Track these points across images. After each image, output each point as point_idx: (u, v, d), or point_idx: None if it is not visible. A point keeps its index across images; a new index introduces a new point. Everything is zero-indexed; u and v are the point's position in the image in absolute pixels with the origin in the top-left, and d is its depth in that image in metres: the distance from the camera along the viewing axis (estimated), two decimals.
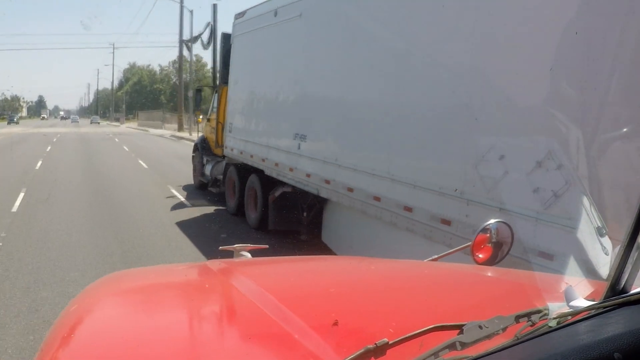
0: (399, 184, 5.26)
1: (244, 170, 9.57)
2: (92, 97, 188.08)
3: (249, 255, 2.19)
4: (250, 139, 9.10)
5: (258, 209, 8.87)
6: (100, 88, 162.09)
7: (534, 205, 3.66)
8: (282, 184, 8.01)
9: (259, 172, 8.74)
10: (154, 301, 1.59)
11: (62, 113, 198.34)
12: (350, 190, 6.01)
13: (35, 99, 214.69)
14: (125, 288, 1.72)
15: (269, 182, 8.49)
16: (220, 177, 11.26)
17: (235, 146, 9.85)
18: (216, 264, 1.89)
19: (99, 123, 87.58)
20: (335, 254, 6.74)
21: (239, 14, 10.13)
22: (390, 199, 5.35)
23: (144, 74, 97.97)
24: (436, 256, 2.16)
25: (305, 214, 7.65)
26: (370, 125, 5.76)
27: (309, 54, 7.17)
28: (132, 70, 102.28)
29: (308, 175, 6.97)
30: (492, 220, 2.06)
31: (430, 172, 4.86)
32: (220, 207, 10.82)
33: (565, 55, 3.53)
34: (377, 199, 5.55)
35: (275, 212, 8.29)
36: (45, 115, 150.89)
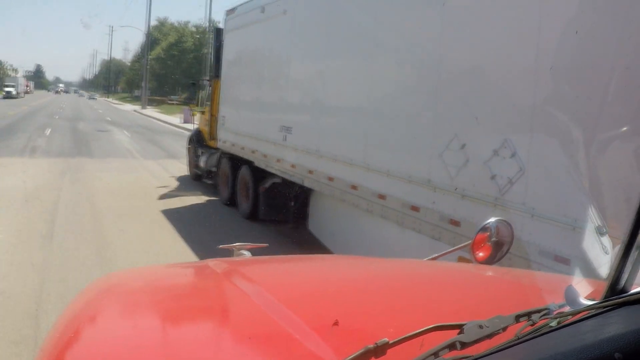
0: (374, 172, 5.57)
1: (236, 162, 9.88)
2: (97, 69, 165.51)
3: (248, 253, 2.18)
4: (241, 132, 9.41)
5: (249, 200, 9.18)
6: (108, 57, 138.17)
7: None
8: (272, 175, 8.33)
9: (250, 164, 9.05)
10: (153, 301, 1.57)
11: (61, 86, 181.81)
12: (331, 179, 6.32)
13: (32, 68, 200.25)
14: (124, 288, 1.70)
15: (259, 173, 8.80)
16: (214, 168, 11.58)
17: (228, 138, 10.16)
18: (216, 263, 1.88)
19: (96, 99, 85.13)
20: (320, 243, 7.08)
21: (230, 10, 10.41)
22: (366, 188, 5.66)
23: (187, 32, 67.27)
24: (436, 255, 2.15)
25: (292, 203, 7.97)
26: (348, 118, 6.07)
27: (292, 51, 7.48)
28: (162, 29, 72.99)
29: (293, 166, 7.29)
30: (492, 219, 2.04)
31: (401, 161, 5.17)
32: (213, 198, 11.15)
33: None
34: (355, 187, 5.86)
35: (265, 202, 8.62)
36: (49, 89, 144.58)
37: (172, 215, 9.27)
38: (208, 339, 1.27)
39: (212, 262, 1.90)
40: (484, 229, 2.00)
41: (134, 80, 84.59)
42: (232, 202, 10.13)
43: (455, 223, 4.49)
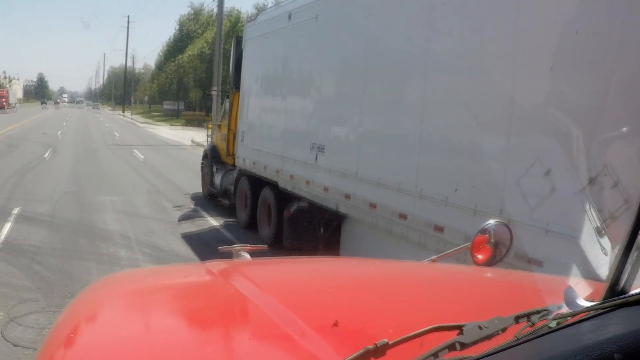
0: (428, 201, 4.75)
1: (257, 182, 9.08)
2: (105, 76, 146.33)
3: (248, 256, 2.16)
4: (263, 149, 8.60)
5: (272, 225, 8.36)
6: (117, 65, 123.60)
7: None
8: (298, 198, 7.51)
9: (273, 185, 8.24)
10: (153, 303, 1.56)
11: (64, 96, 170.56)
12: (373, 206, 5.50)
13: (34, 78, 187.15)
14: (124, 290, 1.69)
15: (283, 196, 7.99)
16: (231, 187, 10.77)
17: (248, 156, 9.36)
18: (216, 264, 1.87)
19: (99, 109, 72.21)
20: None
21: (251, 17, 9.70)
22: (419, 217, 4.83)
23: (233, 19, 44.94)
24: (435, 257, 2.12)
25: (322, 230, 7.12)
26: (396, 138, 5.25)
27: (326, 59, 6.67)
28: (198, 19, 55.53)
29: (326, 189, 6.46)
30: (491, 221, 2.04)
31: (466, 189, 4.34)
32: (230, 219, 10.33)
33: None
34: (403, 216, 5.03)
35: (290, 228, 7.78)
36: (45, 101, 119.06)
37: (191, 241, 8.45)
38: (207, 340, 1.26)
39: (211, 264, 1.92)
40: (483, 231, 2.01)
41: (163, 88, 60.23)
42: (251, 225, 9.30)
43: (537, 263, 3.70)
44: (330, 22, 6.66)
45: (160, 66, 63.89)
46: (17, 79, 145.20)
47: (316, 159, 6.68)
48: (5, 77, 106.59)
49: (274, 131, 8.28)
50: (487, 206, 4.07)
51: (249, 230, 9.37)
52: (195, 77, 50.44)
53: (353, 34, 6.15)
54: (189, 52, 50.81)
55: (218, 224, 10.04)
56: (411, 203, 4.92)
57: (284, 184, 7.77)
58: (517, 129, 3.91)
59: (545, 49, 3.68)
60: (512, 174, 3.89)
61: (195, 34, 54.79)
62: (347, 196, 5.95)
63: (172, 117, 55.27)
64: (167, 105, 59.39)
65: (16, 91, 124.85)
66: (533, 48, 3.81)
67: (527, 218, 3.69)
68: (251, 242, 8.39)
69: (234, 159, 10.61)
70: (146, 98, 64.73)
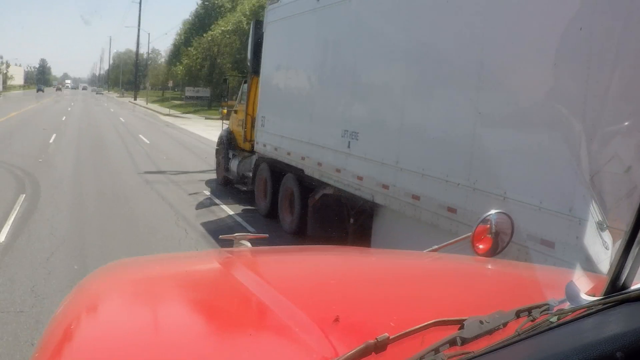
0: (483, 193, 4.44)
1: (278, 169, 8.78)
2: (106, 64, 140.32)
3: (248, 244, 2.15)
4: (287, 135, 8.27)
5: (295, 213, 8.07)
6: (123, 50, 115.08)
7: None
8: (324, 185, 7.21)
9: (297, 172, 7.93)
10: (153, 292, 1.54)
11: (68, 82, 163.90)
12: (416, 198, 5.20)
13: (36, 63, 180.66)
14: (125, 279, 1.68)
15: (308, 183, 7.70)
16: (249, 174, 10.48)
17: (269, 142, 9.04)
18: (217, 253, 1.84)
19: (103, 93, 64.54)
20: None
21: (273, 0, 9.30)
22: (471, 212, 4.53)
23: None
24: (436, 247, 2.11)
25: (352, 220, 6.83)
26: (445, 124, 4.93)
27: (361, 43, 6.31)
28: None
29: (360, 178, 6.15)
30: (492, 211, 2.03)
31: (531, 182, 4.03)
32: (249, 207, 10.05)
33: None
34: (452, 210, 4.73)
35: (315, 216, 7.50)
36: (41, 87, 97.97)
37: (211, 228, 8.15)
38: (207, 331, 1.26)
39: (213, 253, 1.99)
40: (484, 221, 2.01)
41: (191, 69, 47.38)
42: (271, 213, 9.02)
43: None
44: (365, 3, 6.31)
45: (178, 49, 55.63)
46: (19, 65, 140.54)
47: (349, 145, 6.36)
48: (1, 62, 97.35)
49: (299, 116, 7.94)
50: (552, 202, 3.78)
51: (269, 218, 9.08)
52: (232, 57, 41.21)
53: (393, 15, 5.81)
54: (222, 27, 42.67)
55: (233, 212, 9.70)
56: (462, 196, 4.62)
57: (310, 171, 7.45)
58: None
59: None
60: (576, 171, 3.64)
61: (223, 8, 48.37)
62: (385, 186, 5.64)
63: (198, 106, 44.71)
64: (191, 92, 45.31)
65: (13, 76, 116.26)
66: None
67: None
68: (274, 231, 8.20)
69: (252, 144, 10.31)
70: (170, 83, 49.40)
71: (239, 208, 10.06)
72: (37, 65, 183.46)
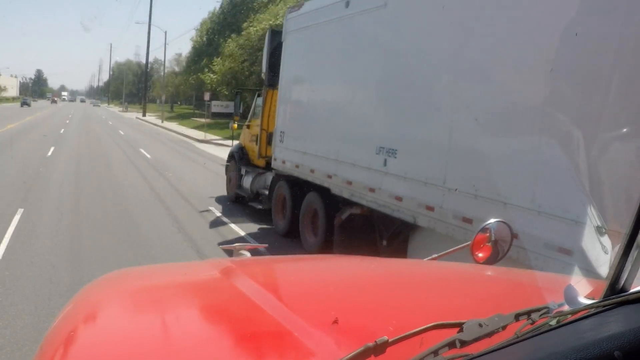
0: (548, 217, 4.02)
1: (299, 187, 8.34)
2: (105, 75, 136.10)
3: (248, 254, 2.16)
4: (310, 151, 7.84)
5: (319, 233, 7.62)
6: (122, 60, 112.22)
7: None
8: (352, 204, 6.77)
9: (322, 190, 7.49)
10: (153, 300, 1.52)
11: (65, 94, 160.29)
12: (467, 221, 4.76)
13: (32, 74, 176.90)
14: (124, 287, 1.67)
15: (334, 202, 7.26)
16: (264, 191, 10.03)
17: (289, 158, 8.60)
18: (216, 262, 1.85)
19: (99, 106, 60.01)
20: None
21: (293, 7, 8.92)
22: (535, 237, 4.10)
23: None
24: (436, 255, 2.12)
25: (385, 242, 6.39)
26: (502, 141, 4.52)
27: (400, 51, 5.91)
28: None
29: (398, 199, 5.71)
30: (492, 220, 2.05)
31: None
32: (265, 226, 9.58)
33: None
34: (514, 235, 4.29)
35: (342, 237, 7.05)
36: (27, 100, 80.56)
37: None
38: (208, 338, 1.24)
39: (212, 262, 1.90)
40: (484, 229, 2.02)
41: (236, 75, 35.15)
42: (291, 233, 8.56)
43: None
44: (404, 10, 5.92)
45: (199, 52, 46.31)
46: (14, 75, 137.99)
47: (385, 163, 5.94)
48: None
49: (325, 132, 7.51)
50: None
51: (289, 238, 8.62)
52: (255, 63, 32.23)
53: (434, 23, 5.42)
54: (260, 25, 31.89)
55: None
56: (525, 220, 4.19)
57: (338, 190, 7.01)
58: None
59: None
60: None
61: (254, 4, 39.51)
62: (430, 207, 5.21)
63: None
64: (218, 108, 30.71)
65: (7, 87, 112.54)
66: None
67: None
68: (295, 250, 7.70)
69: (266, 161, 9.88)
70: (207, 96, 31.67)
71: (256, 226, 9.60)
72: (33, 77, 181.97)
